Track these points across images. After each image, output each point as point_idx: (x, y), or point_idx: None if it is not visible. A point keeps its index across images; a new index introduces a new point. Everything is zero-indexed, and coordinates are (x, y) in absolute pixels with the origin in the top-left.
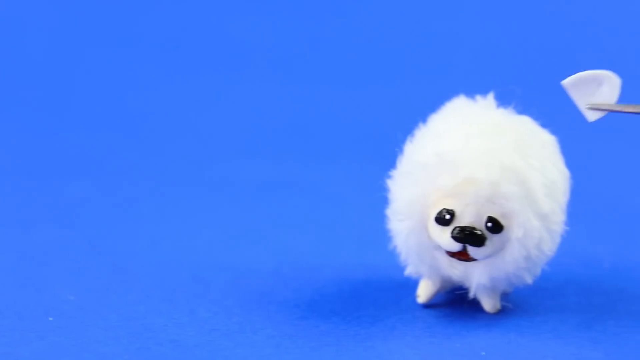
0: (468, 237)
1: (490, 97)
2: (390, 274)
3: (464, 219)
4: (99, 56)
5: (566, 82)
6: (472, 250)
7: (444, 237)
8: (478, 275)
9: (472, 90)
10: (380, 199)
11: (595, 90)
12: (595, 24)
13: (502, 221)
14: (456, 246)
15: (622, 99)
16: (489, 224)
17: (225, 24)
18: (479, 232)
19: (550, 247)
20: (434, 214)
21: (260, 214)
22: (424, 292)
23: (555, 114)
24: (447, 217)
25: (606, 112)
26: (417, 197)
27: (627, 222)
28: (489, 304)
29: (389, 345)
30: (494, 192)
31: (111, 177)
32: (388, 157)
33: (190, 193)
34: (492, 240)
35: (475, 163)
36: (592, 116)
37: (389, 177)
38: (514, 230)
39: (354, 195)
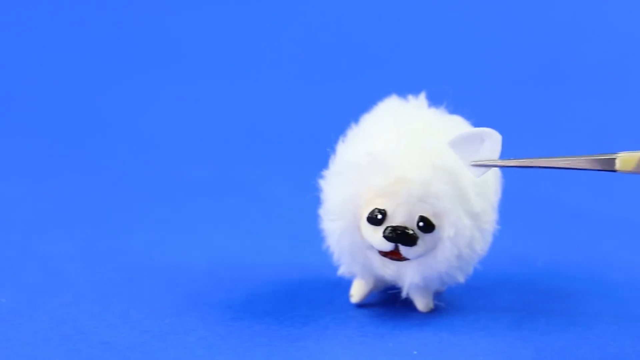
0: (400, 236)
1: (422, 97)
2: (325, 274)
3: (395, 219)
4: (36, 58)
5: (450, 141)
6: (404, 249)
7: (376, 236)
8: (410, 275)
9: (404, 90)
10: (313, 199)
11: (478, 147)
12: (524, 24)
13: (434, 220)
14: (388, 246)
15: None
16: (421, 224)
17: (160, 25)
18: (410, 232)
19: (482, 246)
20: (366, 213)
21: (195, 215)
22: (357, 291)
23: (487, 113)
24: (379, 216)
25: (490, 168)
26: (349, 197)
27: (560, 222)
28: (421, 303)
29: (321, 345)
30: (425, 192)
31: (43, 179)
32: (321, 158)
33: (124, 194)
34: (424, 239)
35: (407, 163)
36: (477, 173)
37: (322, 177)
38: (445, 230)
39: (288, 195)
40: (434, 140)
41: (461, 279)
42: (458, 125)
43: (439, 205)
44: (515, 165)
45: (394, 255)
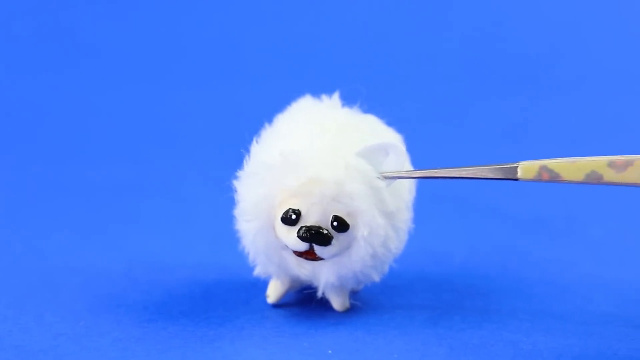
0: (314, 236)
1: (336, 96)
2: (241, 274)
3: (309, 219)
4: None
5: (358, 153)
6: (318, 249)
7: (290, 236)
8: (326, 274)
9: (318, 89)
10: (229, 200)
11: (383, 159)
12: (436, 27)
13: (348, 220)
14: (303, 246)
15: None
16: (335, 223)
17: (75, 24)
18: (325, 232)
19: (396, 244)
20: (280, 214)
21: (110, 216)
22: (273, 292)
23: (401, 112)
24: (293, 217)
25: (397, 179)
26: (263, 198)
27: (476, 221)
28: (337, 302)
29: (236, 345)
30: (338, 191)
31: None
32: (236, 158)
33: (40, 196)
34: (339, 239)
35: (320, 163)
36: (384, 183)
37: (236, 178)
38: (360, 229)
39: (204, 196)
40: (348, 140)
41: (377, 277)
42: (371, 124)
43: (353, 205)
44: (420, 176)
45: (309, 255)
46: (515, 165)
